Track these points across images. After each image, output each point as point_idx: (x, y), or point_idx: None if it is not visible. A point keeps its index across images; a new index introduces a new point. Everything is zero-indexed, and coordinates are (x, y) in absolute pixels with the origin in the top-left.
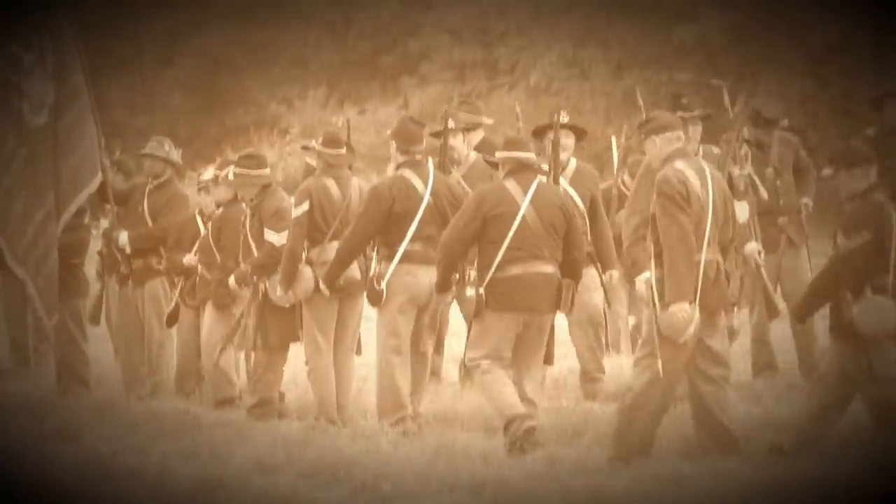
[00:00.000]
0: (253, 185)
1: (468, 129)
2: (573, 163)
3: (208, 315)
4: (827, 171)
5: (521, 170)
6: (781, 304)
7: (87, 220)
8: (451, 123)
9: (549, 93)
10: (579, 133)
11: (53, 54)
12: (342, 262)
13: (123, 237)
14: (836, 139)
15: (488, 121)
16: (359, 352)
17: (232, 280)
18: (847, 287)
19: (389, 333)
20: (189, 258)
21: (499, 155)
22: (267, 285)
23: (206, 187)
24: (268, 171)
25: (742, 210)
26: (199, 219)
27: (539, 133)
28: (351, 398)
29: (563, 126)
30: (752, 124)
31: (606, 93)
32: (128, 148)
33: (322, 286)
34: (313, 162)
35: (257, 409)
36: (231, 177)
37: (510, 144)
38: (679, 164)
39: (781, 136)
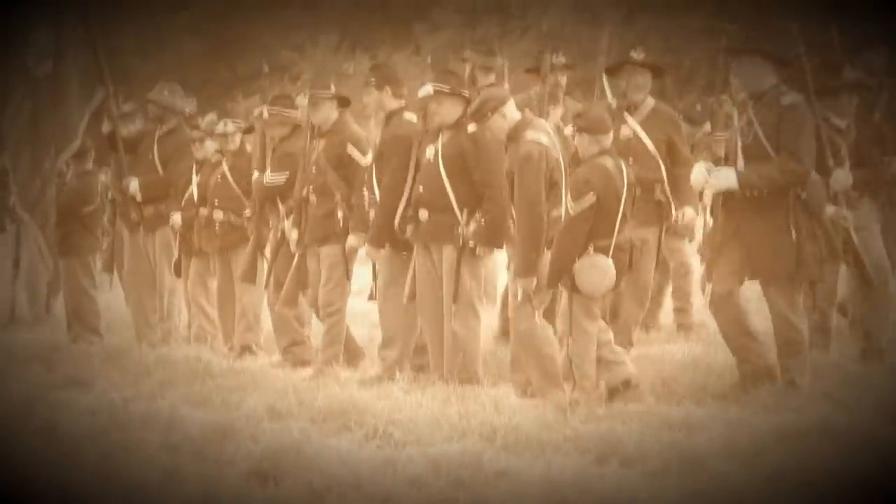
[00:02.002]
0: (284, 126)
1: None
2: (650, 103)
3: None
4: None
5: None
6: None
7: (90, 165)
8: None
9: (560, 39)
10: (656, 71)
11: (56, 3)
12: (389, 215)
13: (134, 184)
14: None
15: (500, 61)
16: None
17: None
18: (576, 247)
19: (394, 280)
20: (176, 219)
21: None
22: (286, 228)
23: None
24: (298, 112)
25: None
26: (193, 167)
27: (612, 72)
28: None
29: (637, 63)
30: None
31: (618, 37)
32: (135, 94)
33: (368, 248)
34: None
35: (288, 352)
36: (265, 116)
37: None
38: (531, 135)
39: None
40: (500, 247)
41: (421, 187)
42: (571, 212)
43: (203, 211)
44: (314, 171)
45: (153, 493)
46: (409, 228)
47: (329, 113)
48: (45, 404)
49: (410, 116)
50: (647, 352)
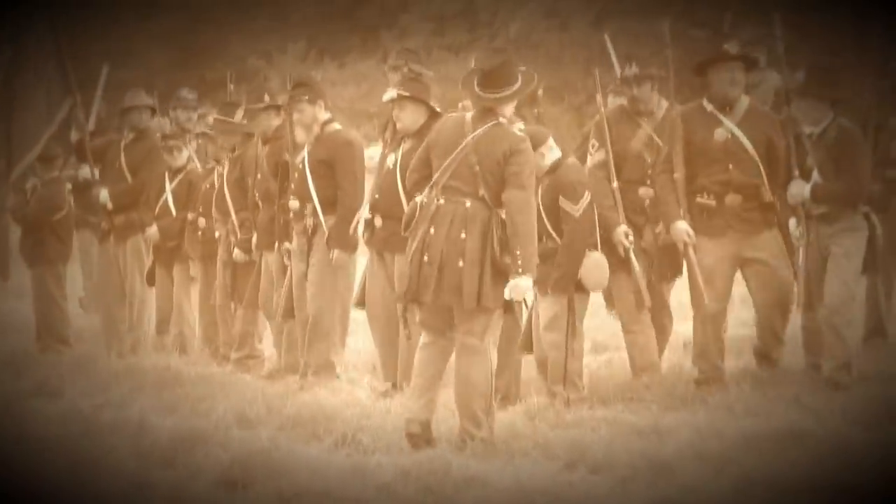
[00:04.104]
0: (234, 134)
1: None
2: (744, 101)
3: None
4: None
5: None
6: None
7: (57, 172)
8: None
9: (528, 44)
10: (750, 63)
11: (18, 14)
12: (348, 221)
13: (104, 193)
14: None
15: (428, 73)
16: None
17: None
18: (585, 246)
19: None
20: (152, 231)
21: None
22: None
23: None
24: (245, 121)
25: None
26: (166, 175)
27: (702, 69)
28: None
29: (732, 57)
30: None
31: (586, 44)
32: (107, 102)
33: (339, 254)
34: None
35: (244, 360)
36: (209, 122)
37: None
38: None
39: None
40: None
41: (377, 195)
42: (575, 214)
43: (191, 216)
44: (259, 178)
45: (123, 501)
46: (366, 235)
47: (269, 122)
48: (14, 413)
49: (338, 126)
50: (614, 357)
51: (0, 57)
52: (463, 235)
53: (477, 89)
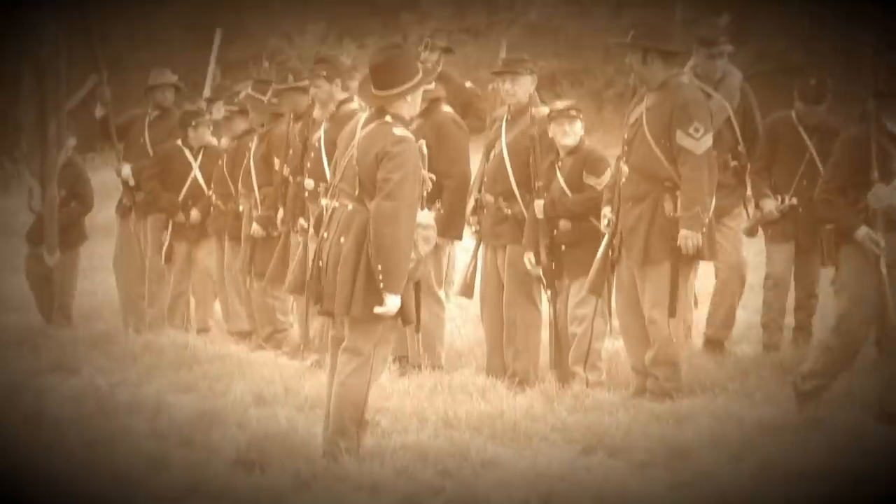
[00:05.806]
0: (264, 112)
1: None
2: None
3: (227, 246)
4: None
5: None
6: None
7: (71, 151)
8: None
9: (548, 29)
10: None
11: None
12: None
13: (126, 170)
14: (838, 80)
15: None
16: None
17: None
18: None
19: None
20: (195, 214)
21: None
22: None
23: (213, 121)
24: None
25: None
26: (187, 152)
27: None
28: None
29: None
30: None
31: (606, 30)
32: (128, 82)
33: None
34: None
35: (273, 336)
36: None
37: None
38: None
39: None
40: (459, 238)
41: None
42: (598, 187)
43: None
44: (291, 154)
45: (139, 480)
46: None
47: (299, 99)
48: (31, 390)
49: (355, 106)
50: None
51: (46, 32)
52: (342, 240)
53: (371, 86)
